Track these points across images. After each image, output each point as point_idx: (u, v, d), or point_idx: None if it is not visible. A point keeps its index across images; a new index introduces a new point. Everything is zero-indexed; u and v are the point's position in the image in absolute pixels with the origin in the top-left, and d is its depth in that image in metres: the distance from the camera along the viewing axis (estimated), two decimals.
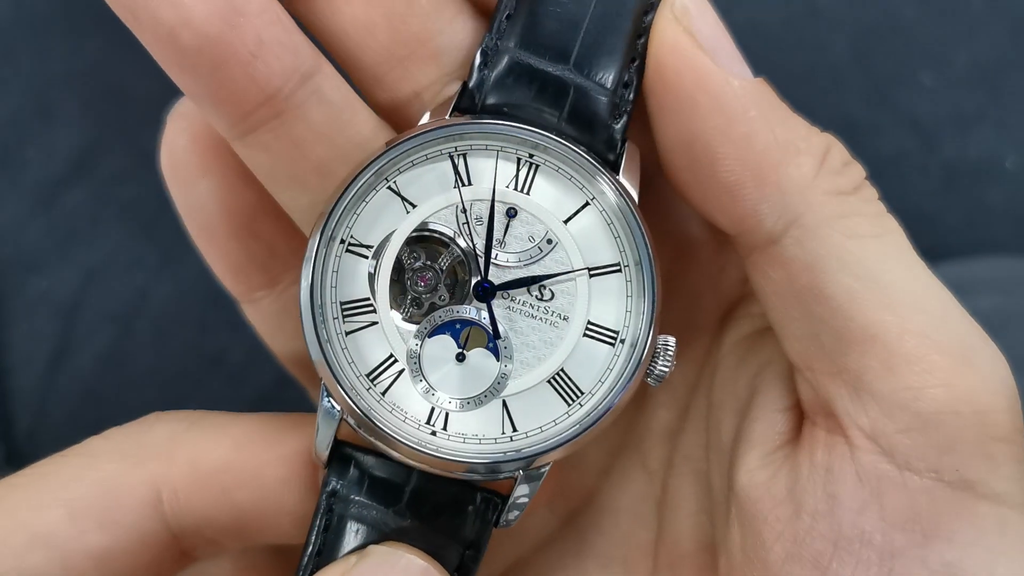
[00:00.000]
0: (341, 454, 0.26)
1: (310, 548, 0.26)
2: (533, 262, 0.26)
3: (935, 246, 0.49)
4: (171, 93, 0.53)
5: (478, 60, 0.26)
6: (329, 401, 0.25)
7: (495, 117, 0.26)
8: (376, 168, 0.25)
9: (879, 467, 0.25)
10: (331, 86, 0.27)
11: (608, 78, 0.26)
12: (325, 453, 0.26)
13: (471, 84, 0.26)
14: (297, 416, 0.29)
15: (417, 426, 0.25)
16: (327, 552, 0.26)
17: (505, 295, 0.26)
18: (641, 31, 0.26)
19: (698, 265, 0.31)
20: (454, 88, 0.27)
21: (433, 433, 0.25)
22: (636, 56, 0.26)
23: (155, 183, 0.48)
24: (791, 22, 0.49)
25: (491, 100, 0.26)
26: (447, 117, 0.26)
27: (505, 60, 0.26)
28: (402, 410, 0.26)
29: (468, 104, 0.26)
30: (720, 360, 0.30)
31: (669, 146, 0.26)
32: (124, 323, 0.47)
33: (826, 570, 0.25)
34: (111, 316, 0.47)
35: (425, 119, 0.26)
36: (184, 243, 0.48)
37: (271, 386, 0.45)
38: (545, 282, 0.26)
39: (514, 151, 0.26)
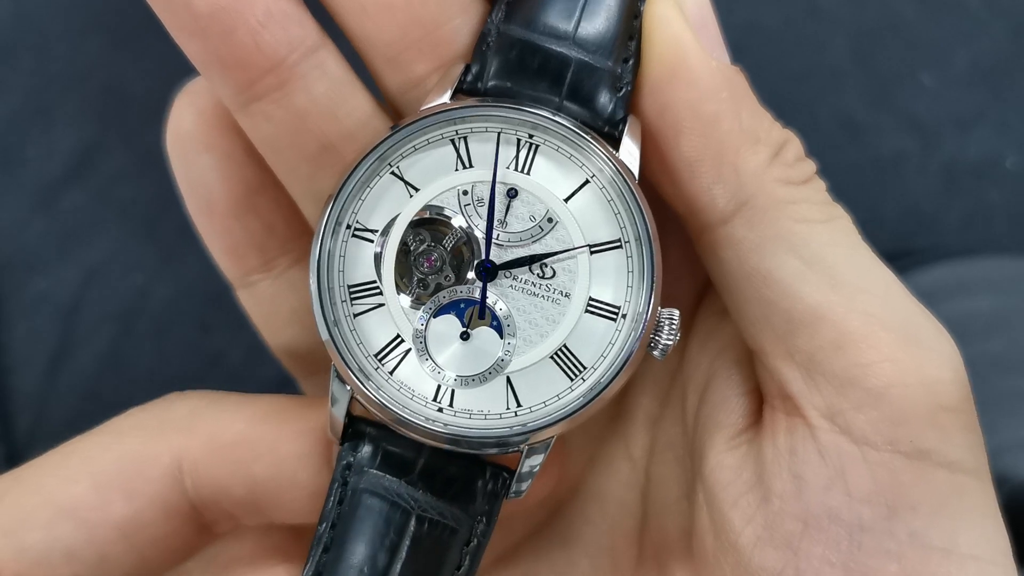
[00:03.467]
0: (355, 430, 0.27)
1: (324, 522, 0.27)
2: (535, 240, 0.26)
3: (935, 246, 0.49)
4: (171, 93, 0.53)
5: (478, 43, 0.26)
6: (339, 380, 0.26)
7: (495, 99, 0.26)
8: (379, 153, 0.26)
9: (839, 445, 0.25)
10: (334, 62, 0.28)
11: (608, 53, 0.26)
12: (339, 429, 0.27)
13: (473, 66, 0.26)
14: (312, 399, 0.30)
15: (424, 403, 0.26)
16: (341, 524, 0.27)
17: (507, 274, 0.26)
18: (637, 11, 0.27)
19: (677, 245, 0.31)
20: (458, 70, 0.27)
21: (440, 410, 0.26)
22: (634, 34, 0.27)
23: (155, 183, 0.48)
24: (791, 22, 0.49)
25: (493, 81, 0.26)
26: (448, 100, 0.26)
27: (507, 40, 0.26)
28: (409, 388, 0.26)
29: (471, 85, 0.26)
30: (688, 343, 0.30)
31: (644, 117, 0.27)
32: (124, 323, 0.47)
33: (797, 550, 0.25)
34: (111, 316, 0.47)
35: (429, 102, 0.27)
36: (184, 243, 0.48)
37: (271, 386, 0.45)
38: (546, 260, 0.26)
39: (514, 132, 0.26)
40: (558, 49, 0.26)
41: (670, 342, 0.26)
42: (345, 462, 0.27)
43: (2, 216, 0.47)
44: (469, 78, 0.27)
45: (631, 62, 0.27)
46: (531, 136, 0.26)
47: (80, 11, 0.48)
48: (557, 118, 0.26)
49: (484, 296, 0.26)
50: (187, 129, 0.32)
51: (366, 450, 0.27)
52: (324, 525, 0.27)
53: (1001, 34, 0.50)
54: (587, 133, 0.26)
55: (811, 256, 0.26)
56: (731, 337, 0.29)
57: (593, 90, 0.26)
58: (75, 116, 0.48)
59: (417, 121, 0.26)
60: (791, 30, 0.49)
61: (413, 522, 0.26)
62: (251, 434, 0.28)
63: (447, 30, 0.28)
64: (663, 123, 0.26)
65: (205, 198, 0.31)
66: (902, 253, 0.48)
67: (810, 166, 0.28)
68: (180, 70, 0.49)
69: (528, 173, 0.26)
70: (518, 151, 0.26)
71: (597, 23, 0.26)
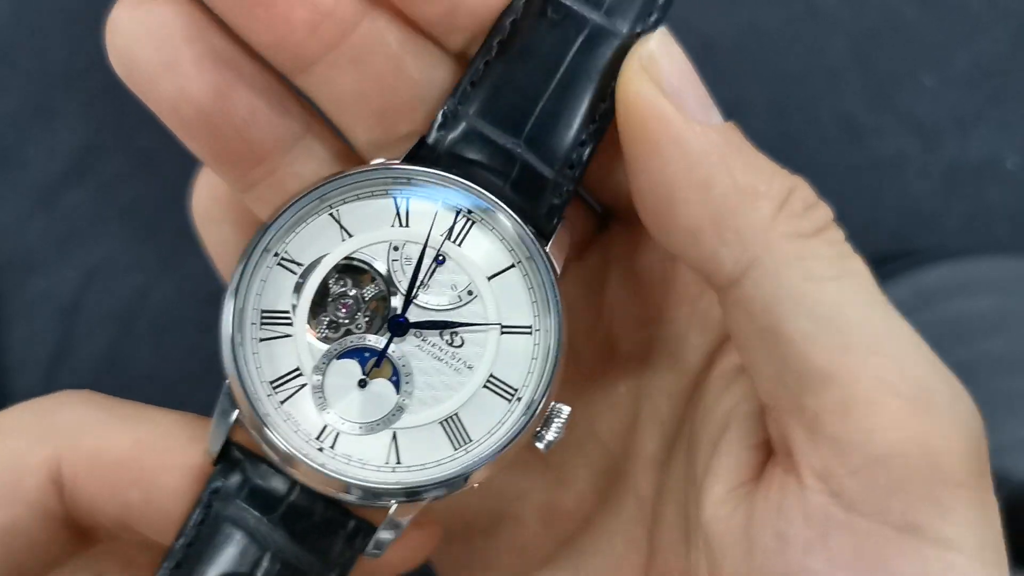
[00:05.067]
0: (231, 456, 0.27)
1: (182, 539, 0.27)
2: (451, 309, 0.27)
3: (935, 246, 0.49)
4: None
5: (439, 120, 0.27)
6: (228, 401, 0.26)
7: (444, 169, 0.27)
8: (322, 193, 0.27)
9: (827, 508, 0.25)
10: (320, 144, 0.29)
11: (554, 157, 0.27)
12: (215, 452, 0.27)
13: (428, 140, 0.27)
14: (208, 423, 0.29)
15: (307, 439, 0.26)
16: (198, 544, 0.27)
17: (418, 334, 0.27)
18: (605, 95, 0.27)
19: (685, 301, 0.31)
20: (416, 135, 0.28)
21: (320, 449, 0.26)
22: (596, 119, 0.27)
23: (155, 184, 0.48)
24: (791, 22, 0.49)
25: (443, 156, 0.27)
26: (400, 159, 0.27)
27: (462, 126, 0.27)
28: (296, 421, 0.26)
29: (427, 151, 0.27)
30: (704, 394, 0.30)
31: (637, 191, 0.27)
32: (124, 323, 0.47)
33: None
34: (111, 316, 0.47)
35: (384, 156, 0.28)
36: (184, 243, 0.48)
37: None
38: (458, 329, 0.27)
39: (455, 206, 0.27)
40: (507, 146, 0.27)
41: (553, 439, 0.27)
42: (213, 487, 0.27)
43: (2, 216, 0.47)
44: (422, 150, 0.27)
45: (576, 170, 0.27)
46: (470, 212, 0.27)
47: (80, 11, 0.48)
48: (495, 203, 0.27)
49: (387, 348, 0.26)
50: (205, 207, 0.33)
51: (235, 479, 0.27)
52: (181, 541, 0.27)
53: (1001, 34, 0.50)
54: (523, 224, 0.27)
55: (821, 316, 0.25)
56: (746, 390, 0.29)
57: (534, 191, 0.27)
58: (75, 116, 0.48)
59: (365, 171, 0.27)
60: (791, 30, 0.49)
61: (267, 561, 0.27)
62: (134, 459, 0.27)
63: (421, 111, 0.28)
64: (658, 197, 0.26)
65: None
66: (902, 253, 0.48)
67: (822, 214, 0.26)
68: None
69: (459, 245, 0.27)
70: (455, 222, 0.27)
71: (551, 123, 0.27)
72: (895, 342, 0.25)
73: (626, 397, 0.32)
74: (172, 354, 0.46)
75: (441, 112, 0.27)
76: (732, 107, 0.28)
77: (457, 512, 0.33)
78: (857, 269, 0.26)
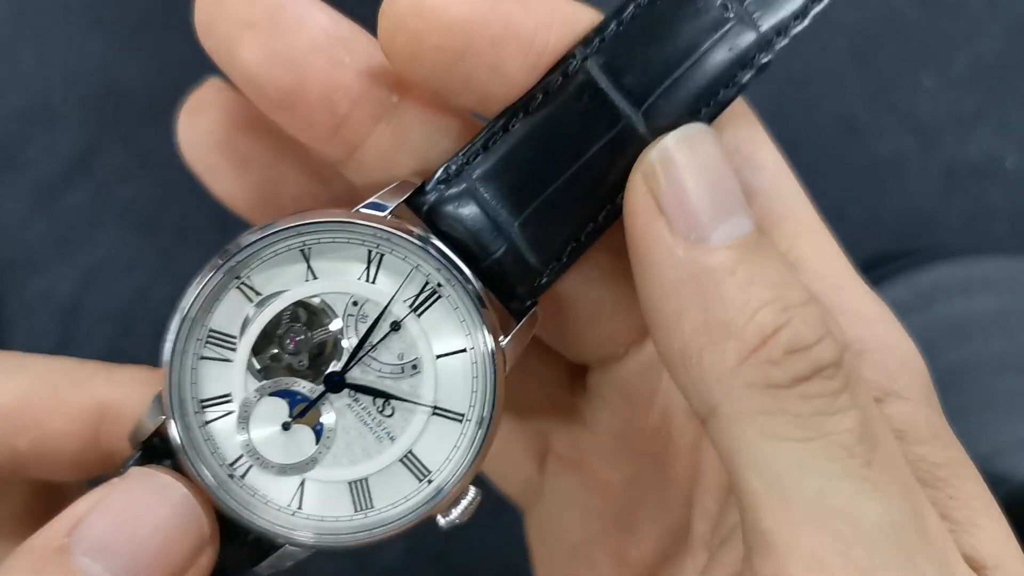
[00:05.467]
0: (152, 447, 0.27)
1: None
2: (391, 378, 0.27)
3: (935, 246, 0.49)
4: (171, 93, 0.53)
5: (440, 173, 0.26)
6: (159, 405, 0.27)
7: (425, 234, 0.26)
8: (297, 230, 0.26)
9: None
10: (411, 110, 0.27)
11: (544, 249, 0.26)
12: (141, 439, 0.27)
13: (427, 188, 0.26)
14: (98, 365, 0.29)
15: (220, 464, 0.27)
16: None
17: (351, 393, 0.27)
18: (615, 198, 0.26)
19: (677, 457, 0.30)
20: (412, 186, 0.26)
21: (231, 476, 0.27)
22: (599, 220, 0.26)
23: (155, 183, 0.48)
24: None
25: (436, 210, 0.26)
26: (390, 208, 0.26)
27: (463, 185, 0.26)
28: (214, 444, 0.27)
29: (417, 202, 0.26)
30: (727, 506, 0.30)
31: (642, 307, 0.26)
32: (124, 323, 0.47)
33: None
34: (111, 316, 0.47)
35: (372, 199, 0.27)
36: (184, 243, 0.48)
37: None
38: (391, 400, 0.27)
39: (426, 275, 0.26)
40: (500, 222, 0.26)
41: (456, 520, 0.27)
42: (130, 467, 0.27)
43: (2, 216, 0.47)
44: (418, 197, 0.26)
45: (562, 265, 0.26)
46: (439, 285, 0.26)
47: (80, 11, 0.48)
48: (467, 284, 0.26)
49: (317, 400, 0.26)
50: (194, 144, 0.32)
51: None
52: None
53: (1001, 34, 0.50)
54: (483, 311, 0.26)
55: (772, 479, 0.23)
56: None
57: (513, 275, 0.26)
58: (75, 116, 0.48)
59: (348, 222, 0.26)
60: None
61: None
62: (19, 407, 0.28)
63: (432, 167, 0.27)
64: (645, 315, 0.25)
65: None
66: (902, 253, 0.49)
67: (812, 360, 0.23)
68: (180, 70, 0.49)
69: (419, 316, 0.27)
70: (420, 292, 0.26)
71: (549, 217, 0.26)
72: (850, 522, 0.22)
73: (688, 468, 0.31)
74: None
75: (444, 167, 0.26)
76: None
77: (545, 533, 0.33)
78: (831, 432, 0.23)
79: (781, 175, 0.27)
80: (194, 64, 0.51)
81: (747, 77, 0.25)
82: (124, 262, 0.47)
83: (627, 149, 0.25)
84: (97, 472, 0.29)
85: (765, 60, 0.25)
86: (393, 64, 0.25)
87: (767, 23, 0.25)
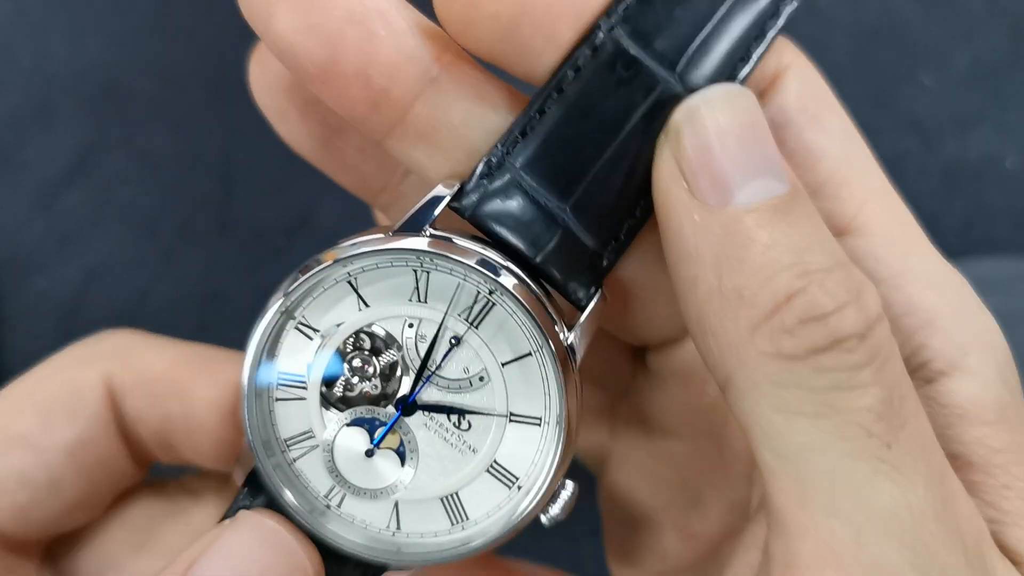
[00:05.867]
0: (256, 482, 0.28)
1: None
2: (461, 391, 0.27)
3: (935, 246, 0.49)
4: (171, 93, 0.53)
5: (481, 168, 0.25)
6: (250, 447, 0.27)
7: (467, 243, 0.25)
8: (342, 263, 0.26)
9: None
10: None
11: (601, 228, 0.25)
12: (243, 475, 0.28)
13: (468, 187, 0.25)
14: (233, 353, 0.31)
15: (316, 496, 0.27)
16: None
17: (426, 413, 0.27)
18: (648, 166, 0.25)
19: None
20: (453, 187, 0.26)
21: (327, 507, 0.27)
22: (635, 208, 0.25)
23: (155, 183, 0.48)
24: (791, 22, 0.49)
25: (482, 210, 0.25)
26: (428, 227, 0.25)
27: (507, 177, 0.25)
28: (306, 479, 0.27)
29: (461, 205, 0.26)
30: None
31: (639, 276, 0.26)
32: (124, 323, 0.47)
33: None
34: (111, 316, 0.47)
35: (411, 213, 0.26)
36: (184, 243, 0.48)
37: None
38: (466, 413, 0.27)
39: (476, 285, 0.26)
40: (551, 208, 0.25)
41: (557, 516, 0.27)
42: (239, 505, 0.28)
43: (2, 216, 0.47)
44: (462, 198, 0.25)
45: (622, 244, 0.26)
46: (491, 293, 0.26)
47: (80, 11, 0.48)
48: (528, 285, 0.25)
49: (394, 423, 0.27)
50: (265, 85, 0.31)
51: (260, 500, 0.28)
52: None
53: (1001, 34, 0.50)
54: (540, 313, 0.25)
55: (786, 456, 0.22)
56: None
57: (572, 262, 0.25)
58: (75, 116, 0.48)
59: (387, 251, 0.26)
60: (791, 30, 0.49)
61: None
62: (173, 373, 0.30)
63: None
64: (659, 288, 0.25)
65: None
66: None
67: (829, 329, 0.22)
68: (180, 70, 0.49)
69: (477, 327, 0.26)
70: (474, 303, 0.26)
71: (600, 195, 0.25)
72: (864, 508, 0.21)
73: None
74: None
75: (485, 160, 0.25)
76: None
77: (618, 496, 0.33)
78: (850, 406, 0.21)
79: (849, 137, 0.26)
80: (194, 64, 0.52)
81: (775, 28, 0.25)
82: (124, 262, 0.47)
83: (665, 114, 0.24)
84: (233, 458, 0.30)
85: (790, 8, 0.25)
86: (449, 32, 0.24)
87: None
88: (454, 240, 0.25)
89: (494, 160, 0.25)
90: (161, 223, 0.48)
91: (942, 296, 0.25)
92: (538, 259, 0.25)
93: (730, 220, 0.22)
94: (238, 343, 0.43)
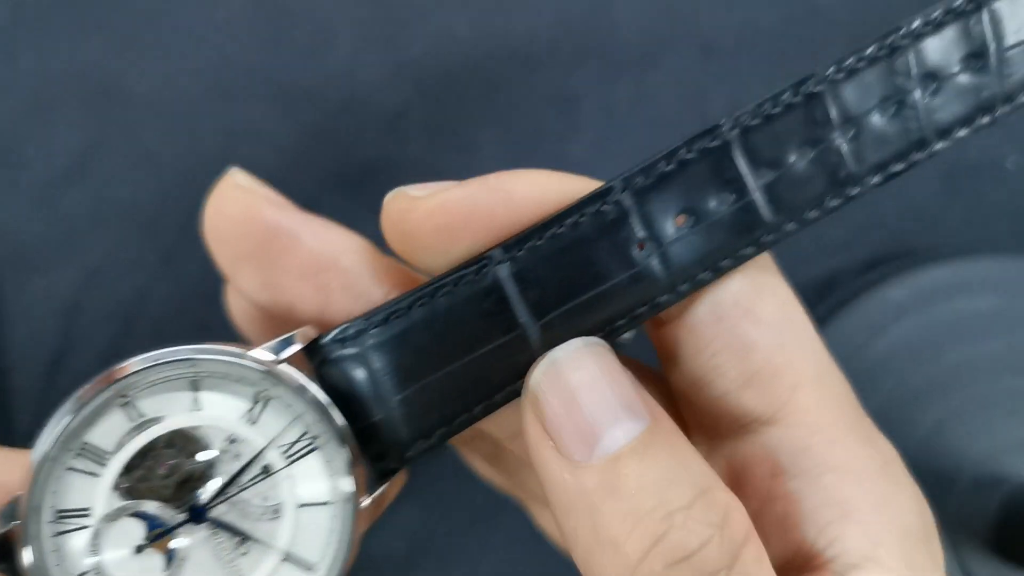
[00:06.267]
0: (7, 548, 0.27)
1: None
2: (252, 518, 0.27)
3: (935, 246, 0.49)
4: (171, 93, 0.53)
5: (336, 332, 0.27)
6: (12, 509, 0.27)
7: (314, 386, 0.27)
8: (191, 362, 0.27)
9: None
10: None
11: (418, 426, 0.27)
12: None
13: (322, 343, 0.27)
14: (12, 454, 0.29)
15: (64, 574, 0.27)
16: None
17: (212, 527, 0.27)
18: (494, 394, 0.27)
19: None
20: (310, 333, 0.27)
21: None
22: (475, 415, 0.27)
23: (155, 183, 0.48)
24: (791, 22, 0.49)
25: (327, 368, 0.27)
26: (280, 358, 0.26)
27: (357, 349, 0.27)
28: (61, 555, 0.27)
29: (312, 353, 0.27)
30: None
31: None
32: (124, 323, 0.47)
33: None
34: (111, 316, 0.47)
35: (272, 342, 0.27)
36: (184, 243, 0.48)
37: None
38: (247, 541, 0.27)
39: (306, 425, 0.27)
40: (383, 394, 0.27)
41: None
42: None
43: (2, 216, 0.47)
44: (314, 349, 0.27)
45: (431, 441, 0.27)
46: (316, 437, 0.27)
47: (80, 11, 0.48)
48: (341, 441, 0.27)
49: (176, 527, 0.27)
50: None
51: (7, 567, 0.27)
52: None
53: None
54: (352, 470, 0.27)
55: None
56: None
57: (385, 443, 0.27)
58: (75, 116, 0.48)
59: (238, 364, 0.26)
60: (791, 30, 0.49)
61: None
62: None
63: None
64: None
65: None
66: (902, 253, 0.48)
67: (693, 569, 0.23)
68: (180, 69, 0.49)
69: (291, 463, 0.27)
70: (298, 440, 0.27)
71: (430, 400, 0.27)
72: None
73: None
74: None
75: (344, 327, 0.27)
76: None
77: None
78: None
79: (783, 325, 0.27)
80: (194, 64, 0.52)
81: (645, 309, 0.26)
82: (124, 262, 0.47)
83: (517, 357, 0.26)
84: None
85: (665, 300, 0.26)
86: (398, 254, 0.27)
87: (675, 275, 0.26)
88: (302, 380, 0.26)
89: (351, 331, 0.27)
90: (161, 223, 0.48)
91: (860, 487, 0.26)
92: (360, 426, 0.27)
93: (596, 473, 0.23)
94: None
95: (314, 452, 0.27)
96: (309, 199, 0.48)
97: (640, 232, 0.26)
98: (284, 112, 0.49)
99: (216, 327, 0.47)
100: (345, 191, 0.48)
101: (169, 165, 0.48)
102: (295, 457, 0.27)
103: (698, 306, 0.27)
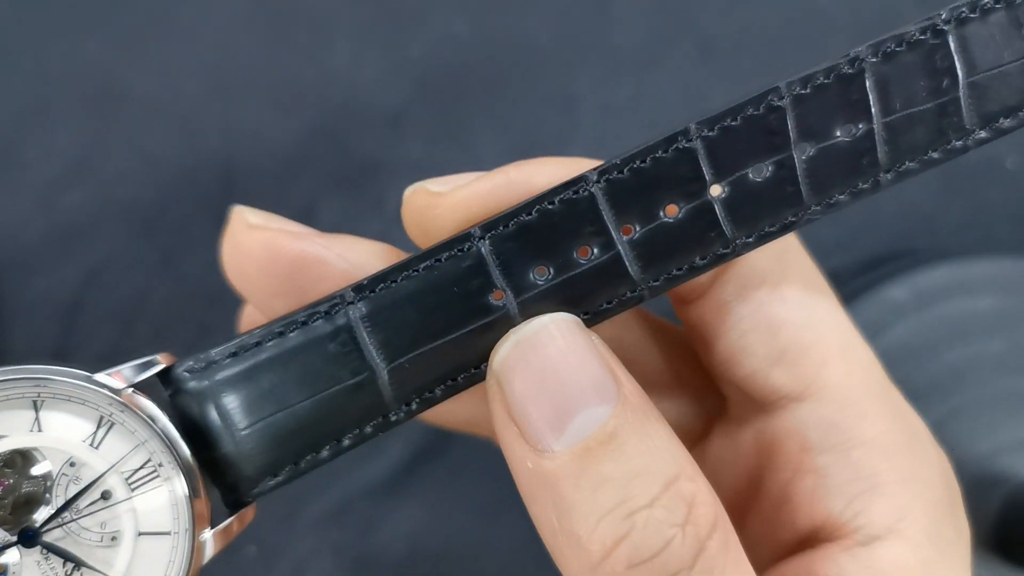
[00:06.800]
0: None
1: None
2: (89, 545, 0.26)
3: (935, 246, 0.49)
4: (171, 93, 0.53)
5: (189, 363, 0.26)
6: None
7: (161, 414, 0.26)
8: (35, 381, 0.26)
9: None
10: None
11: (260, 464, 0.27)
12: None
13: (174, 373, 0.27)
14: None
15: None
16: None
17: (44, 552, 0.26)
18: (343, 437, 0.26)
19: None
20: (160, 361, 0.27)
21: None
22: (323, 453, 0.26)
23: (155, 183, 0.48)
24: (791, 22, 0.49)
25: (178, 398, 0.27)
26: (129, 384, 0.26)
27: (205, 383, 0.26)
28: None
29: (165, 379, 0.27)
30: None
31: None
32: (124, 323, 0.47)
33: None
34: (111, 316, 0.47)
35: (123, 367, 0.27)
36: (184, 243, 0.48)
37: None
38: (82, 568, 0.26)
39: (151, 452, 0.26)
40: (229, 426, 0.26)
41: None
42: None
43: (2, 216, 0.47)
44: (167, 377, 0.27)
45: (277, 478, 0.27)
46: (160, 465, 0.26)
47: (80, 11, 0.48)
48: (186, 472, 0.26)
49: (5, 548, 0.26)
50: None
51: None
52: None
53: None
54: (194, 501, 0.26)
55: None
56: None
57: (233, 475, 0.27)
58: (75, 116, 0.48)
59: (84, 387, 0.26)
60: (791, 30, 0.49)
61: None
62: None
63: None
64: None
65: None
66: (902, 253, 0.48)
67: (654, 571, 0.22)
68: (180, 70, 0.49)
69: (134, 490, 0.26)
70: (141, 467, 0.26)
71: (267, 438, 0.26)
72: None
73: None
74: (172, 354, 0.46)
75: (195, 357, 0.26)
76: None
77: None
78: None
79: (810, 300, 0.27)
80: (194, 64, 0.52)
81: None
82: (124, 262, 0.47)
83: (364, 399, 0.25)
84: None
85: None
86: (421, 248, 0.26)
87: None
88: (149, 406, 0.26)
89: (202, 363, 0.26)
90: (161, 223, 0.48)
91: (888, 461, 0.26)
92: (209, 455, 0.26)
93: (560, 464, 0.23)
94: None
95: (157, 480, 0.26)
96: (309, 199, 0.48)
97: (498, 281, 0.25)
98: (284, 112, 0.49)
99: (216, 327, 0.47)
100: (345, 191, 0.48)
101: (169, 165, 0.48)
102: (137, 485, 0.26)
103: (725, 284, 0.27)
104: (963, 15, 0.25)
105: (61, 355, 0.47)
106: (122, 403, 0.26)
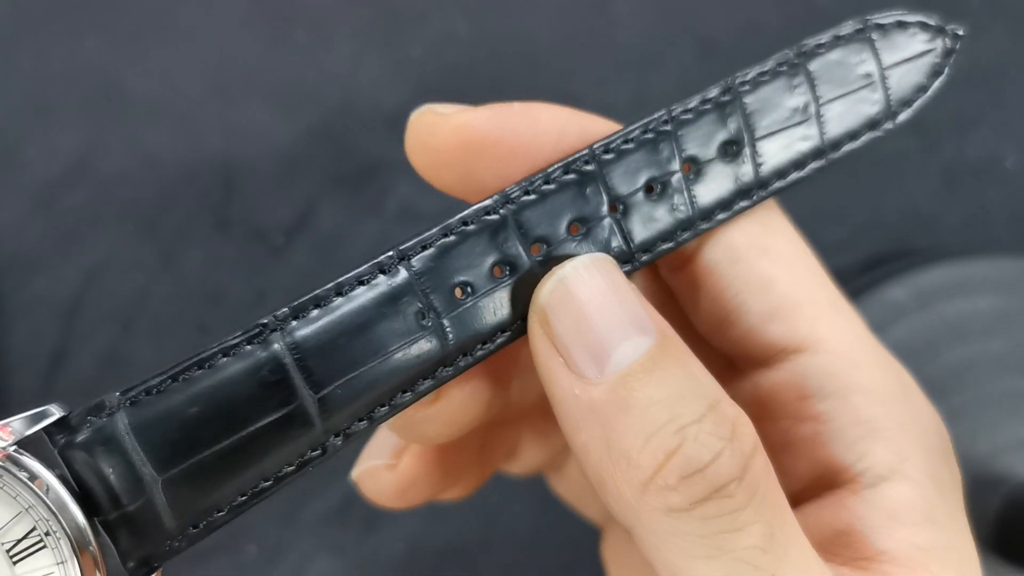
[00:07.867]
0: None
1: None
2: None
3: (935, 246, 0.49)
4: (171, 93, 0.53)
5: (80, 411, 0.24)
6: None
7: (52, 477, 0.24)
8: None
9: None
10: None
11: (185, 514, 0.24)
12: None
13: (71, 421, 0.24)
14: None
15: None
16: None
17: None
18: (269, 475, 0.25)
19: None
20: (52, 411, 0.25)
21: None
22: (250, 492, 0.25)
23: (155, 183, 0.48)
24: (791, 22, 0.49)
25: (72, 451, 0.24)
26: (10, 443, 0.24)
27: (112, 430, 0.24)
28: None
29: (58, 433, 0.25)
30: None
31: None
32: (124, 323, 0.47)
33: None
34: (111, 316, 0.47)
35: (3, 423, 0.25)
36: (184, 243, 0.48)
37: None
38: None
39: (36, 520, 0.24)
40: (143, 476, 0.24)
41: None
42: None
43: (2, 216, 0.47)
44: (61, 430, 0.25)
45: (199, 529, 0.25)
46: (47, 534, 0.24)
47: (80, 11, 0.48)
48: (79, 542, 0.24)
49: None
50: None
51: None
52: None
53: (1001, 34, 0.50)
54: (89, 571, 0.24)
55: None
56: None
57: (143, 535, 0.25)
58: (75, 116, 0.48)
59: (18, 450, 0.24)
60: (791, 30, 0.49)
61: None
62: None
63: None
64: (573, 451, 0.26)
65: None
66: (902, 253, 0.48)
67: (706, 481, 0.23)
68: (180, 70, 0.49)
69: (15, 563, 0.24)
70: (25, 537, 0.24)
71: (193, 481, 0.24)
72: None
73: None
74: (172, 354, 0.46)
75: (98, 402, 0.24)
76: None
77: None
78: (736, 546, 0.23)
79: (797, 259, 0.28)
80: (194, 64, 0.52)
81: (426, 385, 0.25)
82: (124, 262, 0.47)
83: (295, 431, 0.24)
84: None
85: (447, 374, 0.25)
86: (420, 172, 0.28)
87: (457, 341, 0.25)
88: (34, 466, 0.24)
89: (106, 408, 0.24)
90: (161, 223, 0.48)
91: (885, 408, 0.27)
92: (110, 518, 0.24)
93: (608, 389, 0.24)
94: None
95: (44, 550, 0.24)
96: (309, 199, 0.48)
97: (421, 303, 0.25)
98: (284, 112, 0.49)
99: (216, 327, 0.47)
100: (345, 191, 0.48)
101: (169, 165, 0.48)
102: (20, 556, 0.24)
103: (712, 248, 0.28)
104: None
105: (61, 355, 0.47)
106: (13, 467, 0.24)
